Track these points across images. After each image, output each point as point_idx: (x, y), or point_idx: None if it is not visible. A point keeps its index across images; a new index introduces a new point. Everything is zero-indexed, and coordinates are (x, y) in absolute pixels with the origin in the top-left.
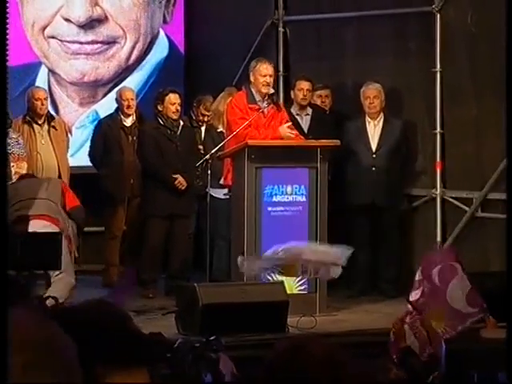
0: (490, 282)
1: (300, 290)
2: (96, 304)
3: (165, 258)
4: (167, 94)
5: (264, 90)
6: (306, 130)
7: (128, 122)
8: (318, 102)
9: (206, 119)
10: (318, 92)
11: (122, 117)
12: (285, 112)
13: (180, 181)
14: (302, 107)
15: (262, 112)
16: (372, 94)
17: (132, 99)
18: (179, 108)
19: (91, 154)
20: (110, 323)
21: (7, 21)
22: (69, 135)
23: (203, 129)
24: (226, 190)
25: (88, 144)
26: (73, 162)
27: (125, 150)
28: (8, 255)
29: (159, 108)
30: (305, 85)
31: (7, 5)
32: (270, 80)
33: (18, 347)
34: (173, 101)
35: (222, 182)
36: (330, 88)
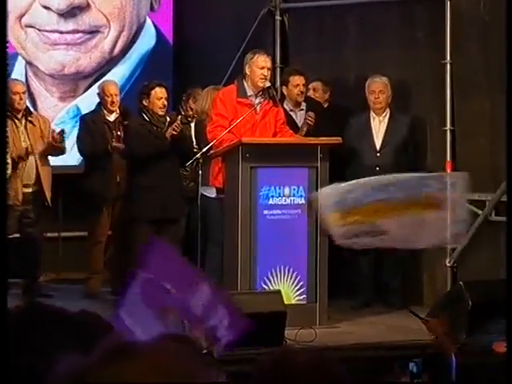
0: (504, 290)
1: (299, 300)
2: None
3: None
4: (153, 88)
5: (260, 84)
6: (300, 127)
7: (112, 117)
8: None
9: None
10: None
11: (105, 112)
12: (281, 109)
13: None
14: (297, 103)
15: (255, 109)
16: (378, 89)
17: (116, 95)
18: (166, 103)
19: (83, 152)
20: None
21: (7, 21)
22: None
23: (193, 124)
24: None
25: (69, 142)
26: (53, 161)
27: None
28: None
29: (144, 103)
30: (300, 80)
31: None
32: (268, 73)
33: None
34: (159, 95)
35: (210, 183)
36: (323, 81)
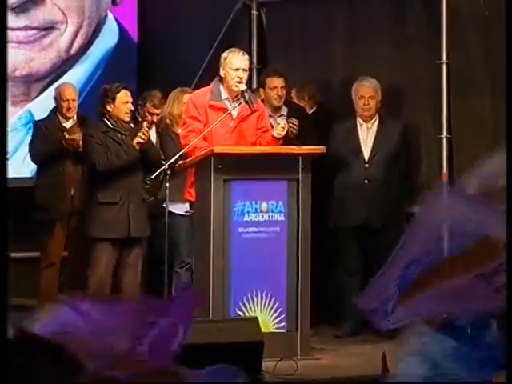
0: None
1: (278, 328)
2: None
3: (114, 290)
4: (119, 92)
5: (235, 88)
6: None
7: (68, 123)
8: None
9: (154, 119)
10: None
11: (61, 118)
12: (265, 115)
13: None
14: (276, 108)
15: (230, 114)
16: (367, 94)
17: (73, 100)
18: (132, 108)
19: (34, 157)
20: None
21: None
22: None
23: (152, 132)
24: (187, 206)
25: (21, 152)
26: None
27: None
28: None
29: (108, 108)
30: (278, 82)
31: None
32: (244, 75)
33: None
34: (125, 99)
35: (183, 197)
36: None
